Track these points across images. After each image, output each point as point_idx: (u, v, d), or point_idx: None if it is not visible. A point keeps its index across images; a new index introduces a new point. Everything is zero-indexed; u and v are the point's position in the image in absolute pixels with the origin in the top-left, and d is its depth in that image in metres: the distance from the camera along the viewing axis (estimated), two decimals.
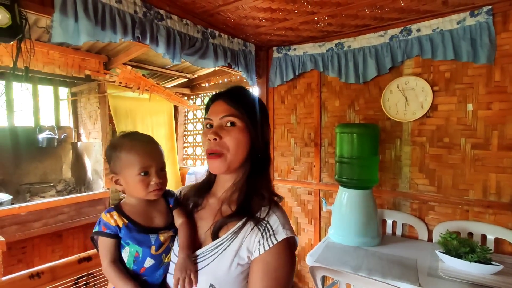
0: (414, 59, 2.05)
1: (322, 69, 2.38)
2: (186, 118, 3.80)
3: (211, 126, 0.77)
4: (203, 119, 0.85)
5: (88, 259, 1.33)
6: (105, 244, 0.76)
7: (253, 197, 0.76)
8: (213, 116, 0.77)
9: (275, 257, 0.69)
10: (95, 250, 1.37)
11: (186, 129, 3.80)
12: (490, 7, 1.76)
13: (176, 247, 0.78)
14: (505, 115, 1.79)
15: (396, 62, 2.08)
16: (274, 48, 2.62)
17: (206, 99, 3.59)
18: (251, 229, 0.72)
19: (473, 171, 1.89)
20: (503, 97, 1.79)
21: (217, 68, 3.01)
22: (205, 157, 0.80)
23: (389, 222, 2.13)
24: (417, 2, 1.76)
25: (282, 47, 2.57)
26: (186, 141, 3.79)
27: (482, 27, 1.78)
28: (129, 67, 2.68)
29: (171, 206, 0.84)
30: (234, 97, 0.78)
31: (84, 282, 1.39)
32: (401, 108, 2.10)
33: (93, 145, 2.83)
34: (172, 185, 3.36)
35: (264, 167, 0.80)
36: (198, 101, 3.66)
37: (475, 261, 1.42)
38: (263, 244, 0.70)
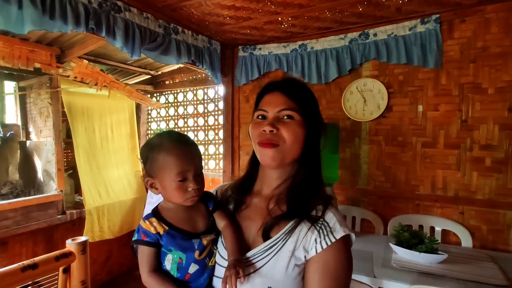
0: (371, 62, 2.16)
1: (286, 69, 2.42)
2: (149, 117, 3.66)
3: (263, 117, 0.74)
4: (253, 111, 0.80)
5: (33, 266, 1.22)
6: (145, 253, 0.72)
7: (308, 196, 0.73)
8: (269, 107, 0.73)
9: (334, 256, 0.67)
10: (41, 257, 1.27)
11: (149, 128, 3.66)
12: (438, 15, 1.90)
13: (221, 249, 0.75)
14: (450, 116, 1.95)
15: (355, 64, 2.17)
16: (240, 47, 2.61)
17: (171, 97, 3.49)
18: (308, 228, 0.69)
19: (423, 168, 2.03)
20: (448, 100, 1.95)
21: (181, 65, 2.94)
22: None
23: (349, 217, 2.22)
24: (373, 8, 1.86)
25: (248, 46, 2.57)
26: None
27: (431, 34, 1.92)
28: (85, 61, 2.51)
29: (210, 208, 0.79)
30: (293, 89, 0.74)
31: None
32: (360, 109, 2.20)
33: (44, 144, 2.61)
34: (134, 187, 3.21)
35: (317, 164, 0.76)
36: (162, 99, 3.55)
37: (424, 251, 1.52)
38: (320, 242, 0.67)
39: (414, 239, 1.60)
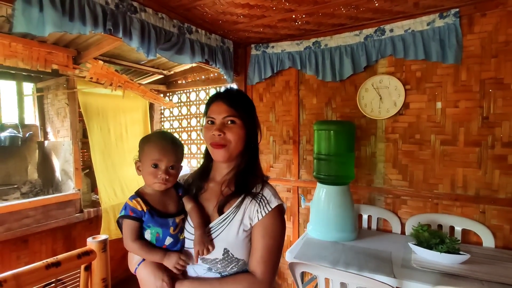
0: (387, 58, 2.12)
1: (300, 67, 2.40)
2: (163, 116, 3.69)
3: (212, 122, 0.93)
4: (203, 116, 1.03)
5: (56, 264, 1.24)
6: (131, 226, 0.89)
7: (249, 178, 0.95)
8: (215, 115, 0.93)
9: (271, 220, 0.89)
10: (64, 255, 1.30)
11: (162, 127, 3.69)
12: (457, 9, 1.84)
13: (188, 227, 0.94)
14: (470, 112, 1.89)
15: (370, 61, 2.13)
16: (252, 46, 2.60)
17: (183, 97, 3.51)
18: (250, 201, 0.91)
19: (442, 166, 1.98)
20: (468, 96, 1.89)
21: (194, 65, 2.95)
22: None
23: (365, 216, 2.19)
24: (390, 3, 1.82)
25: (261, 44, 2.56)
26: None
27: (450, 28, 1.87)
28: (101, 62, 2.55)
29: (180, 194, 0.98)
30: (233, 99, 0.94)
31: None
32: (375, 106, 2.16)
33: (61, 144, 2.66)
34: None
35: (255, 154, 0.98)
36: (175, 99, 3.57)
37: (445, 252, 1.49)
38: (261, 212, 0.89)
39: (434, 239, 1.57)
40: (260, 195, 0.92)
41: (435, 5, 1.86)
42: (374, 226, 2.16)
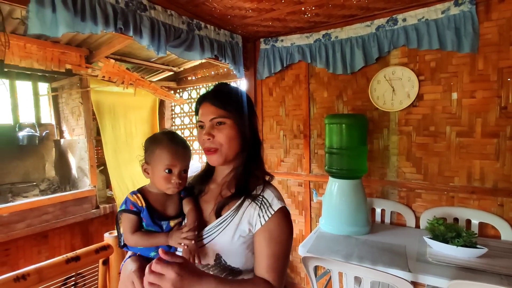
0: (400, 49, 2.07)
1: (310, 60, 2.37)
2: (173, 113, 3.73)
3: (202, 127, 0.89)
4: (194, 119, 1.01)
5: (76, 259, 1.28)
6: (131, 220, 0.87)
7: (249, 179, 0.89)
8: (203, 118, 0.88)
9: (275, 225, 0.82)
10: (83, 249, 1.34)
11: (173, 124, 3.73)
12: None
13: None
14: (488, 103, 1.83)
15: (382, 52, 2.09)
16: (261, 40, 2.58)
17: (194, 93, 3.53)
18: (249, 204, 0.85)
19: (458, 158, 1.93)
20: (486, 86, 1.83)
21: (203, 61, 2.96)
22: (201, 151, 0.84)
23: (378, 210, 2.17)
24: None
25: (270, 38, 2.54)
26: None
27: (466, 16, 1.80)
28: (112, 61, 2.59)
29: (182, 196, 0.94)
30: (219, 98, 0.88)
31: (73, 283, 1.35)
32: (388, 98, 2.12)
33: (77, 142, 2.73)
34: None
35: (256, 152, 0.92)
36: (185, 95, 3.60)
37: (461, 245, 1.46)
38: (263, 216, 0.82)
39: (450, 233, 1.54)
40: (261, 197, 0.85)
41: None
42: (387, 220, 2.14)
